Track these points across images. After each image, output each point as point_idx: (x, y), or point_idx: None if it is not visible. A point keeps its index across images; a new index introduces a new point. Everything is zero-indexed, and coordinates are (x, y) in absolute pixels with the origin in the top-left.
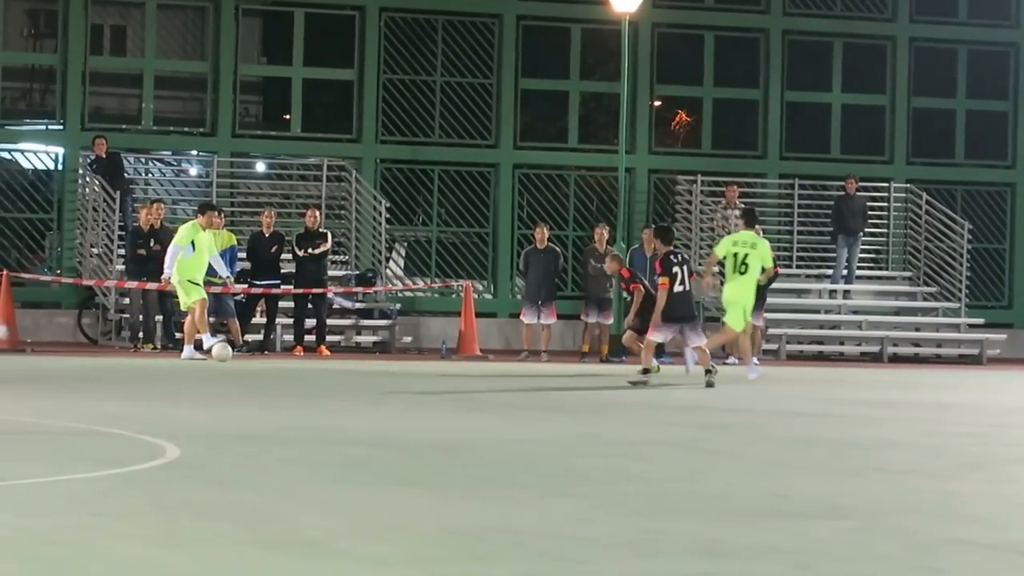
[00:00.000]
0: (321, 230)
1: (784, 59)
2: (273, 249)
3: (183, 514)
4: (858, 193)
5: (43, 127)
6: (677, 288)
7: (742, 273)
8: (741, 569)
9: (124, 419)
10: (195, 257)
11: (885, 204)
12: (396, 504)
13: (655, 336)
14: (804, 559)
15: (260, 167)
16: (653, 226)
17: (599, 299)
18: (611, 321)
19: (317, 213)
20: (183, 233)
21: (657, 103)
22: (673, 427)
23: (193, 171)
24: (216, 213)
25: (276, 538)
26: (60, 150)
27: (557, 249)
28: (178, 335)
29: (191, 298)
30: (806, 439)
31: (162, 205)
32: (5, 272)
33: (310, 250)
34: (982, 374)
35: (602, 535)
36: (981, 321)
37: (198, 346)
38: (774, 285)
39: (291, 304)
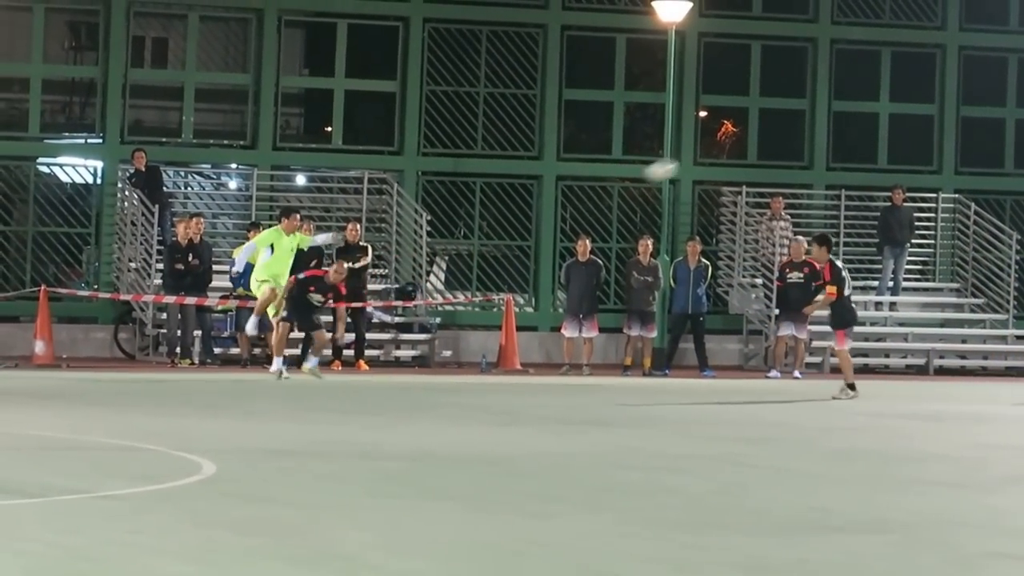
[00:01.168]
0: (362, 243)
1: (831, 68)
2: (312, 263)
3: (219, 530)
4: (905, 204)
5: (82, 140)
6: (847, 292)
7: None
8: None
9: (161, 435)
10: (275, 258)
11: (933, 215)
12: (433, 519)
13: (844, 344)
14: (846, 574)
15: (301, 180)
16: (813, 236)
17: (642, 312)
18: (654, 334)
19: (358, 226)
20: (263, 236)
21: (703, 113)
22: (715, 441)
23: (233, 184)
24: (299, 217)
25: (312, 554)
26: (99, 163)
27: (599, 262)
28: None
29: (262, 294)
30: (848, 452)
31: (201, 219)
32: (43, 287)
33: (350, 264)
34: None
35: (641, 550)
36: None
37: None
38: (819, 297)
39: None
